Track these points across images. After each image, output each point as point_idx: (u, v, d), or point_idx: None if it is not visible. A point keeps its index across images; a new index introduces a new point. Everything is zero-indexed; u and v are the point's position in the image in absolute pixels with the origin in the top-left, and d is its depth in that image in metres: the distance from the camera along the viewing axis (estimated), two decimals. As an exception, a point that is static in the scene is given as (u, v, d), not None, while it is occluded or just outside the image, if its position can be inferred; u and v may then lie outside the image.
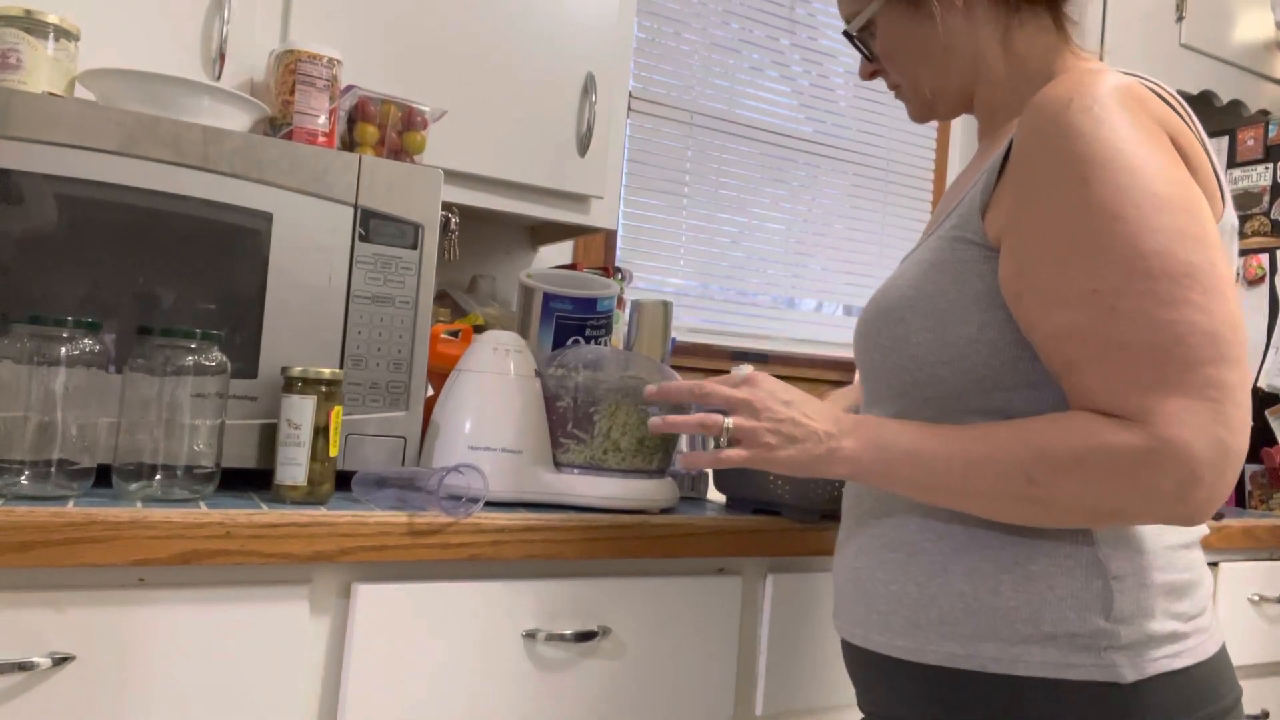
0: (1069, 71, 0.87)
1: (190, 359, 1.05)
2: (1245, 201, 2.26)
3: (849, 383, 2.24)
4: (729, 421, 0.88)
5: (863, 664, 0.93)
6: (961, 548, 0.85)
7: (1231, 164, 2.30)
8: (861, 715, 0.97)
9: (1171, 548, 0.85)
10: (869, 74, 1.04)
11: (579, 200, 1.72)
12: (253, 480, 1.20)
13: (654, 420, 0.94)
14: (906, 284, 0.91)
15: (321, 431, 1.11)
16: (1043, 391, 0.84)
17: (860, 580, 0.92)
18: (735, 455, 0.88)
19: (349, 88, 1.39)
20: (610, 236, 2.14)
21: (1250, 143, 2.27)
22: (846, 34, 1.01)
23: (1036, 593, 0.82)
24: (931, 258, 0.89)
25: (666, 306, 1.57)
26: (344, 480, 1.24)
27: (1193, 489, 0.73)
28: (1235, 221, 0.86)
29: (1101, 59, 2.21)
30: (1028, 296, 0.80)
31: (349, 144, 1.38)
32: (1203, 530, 0.90)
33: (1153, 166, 0.77)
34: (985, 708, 0.82)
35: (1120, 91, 0.80)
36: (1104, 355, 0.76)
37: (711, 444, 1.31)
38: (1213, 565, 1.75)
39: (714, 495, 1.54)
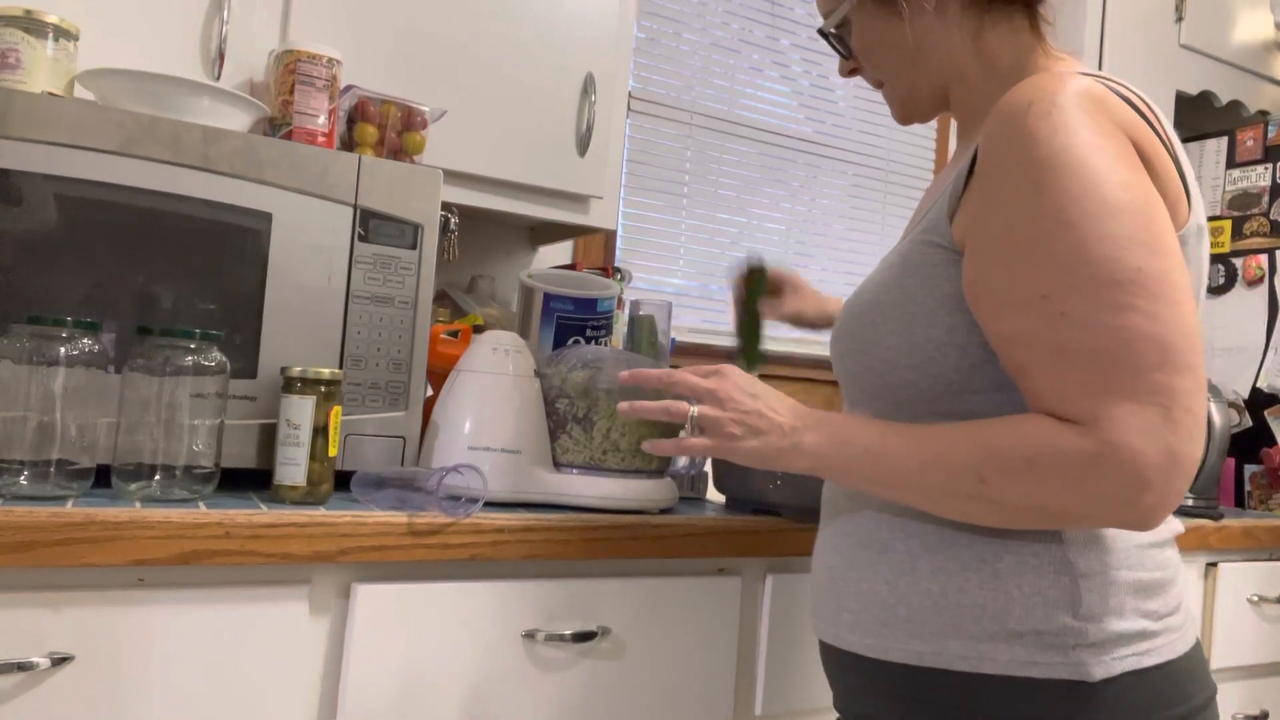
0: (1035, 74, 0.87)
1: (190, 359, 1.05)
2: (1245, 201, 2.26)
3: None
4: (695, 410, 0.90)
5: (836, 663, 0.93)
6: (930, 546, 0.85)
7: (1231, 164, 2.30)
8: (837, 716, 0.97)
9: (1142, 546, 0.85)
10: (848, 71, 1.04)
11: (579, 200, 1.72)
12: (252, 480, 1.20)
13: (622, 405, 0.95)
14: (877, 288, 0.91)
15: (321, 431, 1.11)
16: (1012, 394, 0.84)
17: (834, 578, 0.92)
18: (699, 444, 0.90)
19: (349, 88, 1.39)
20: (610, 236, 2.14)
21: (1250, 143, 2.27)
22: (822, 32, 1.02)
23: (1003, 590, 0.82)
24: (901, 261, 0.90)
25: (651, 320, 1.54)
26: (343, 480, 1.24)
27: (1141, 494, 0.73)
28: (1203, 223, 0.86)
29: (1101, 59, 2.22)
30: (983, 300, 0.81)
31: (349, 144, 1.38)
32: (1176, 529, 0.90)
33: (1107, 171, 0.77)
34: (952, 706, 0.82)
35: (1081, 95, 0.80)
36: (1052, 360, 0.76)
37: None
38: (1212, 566, 1.75)
39: (713, 495, 1.54)
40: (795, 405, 0.90)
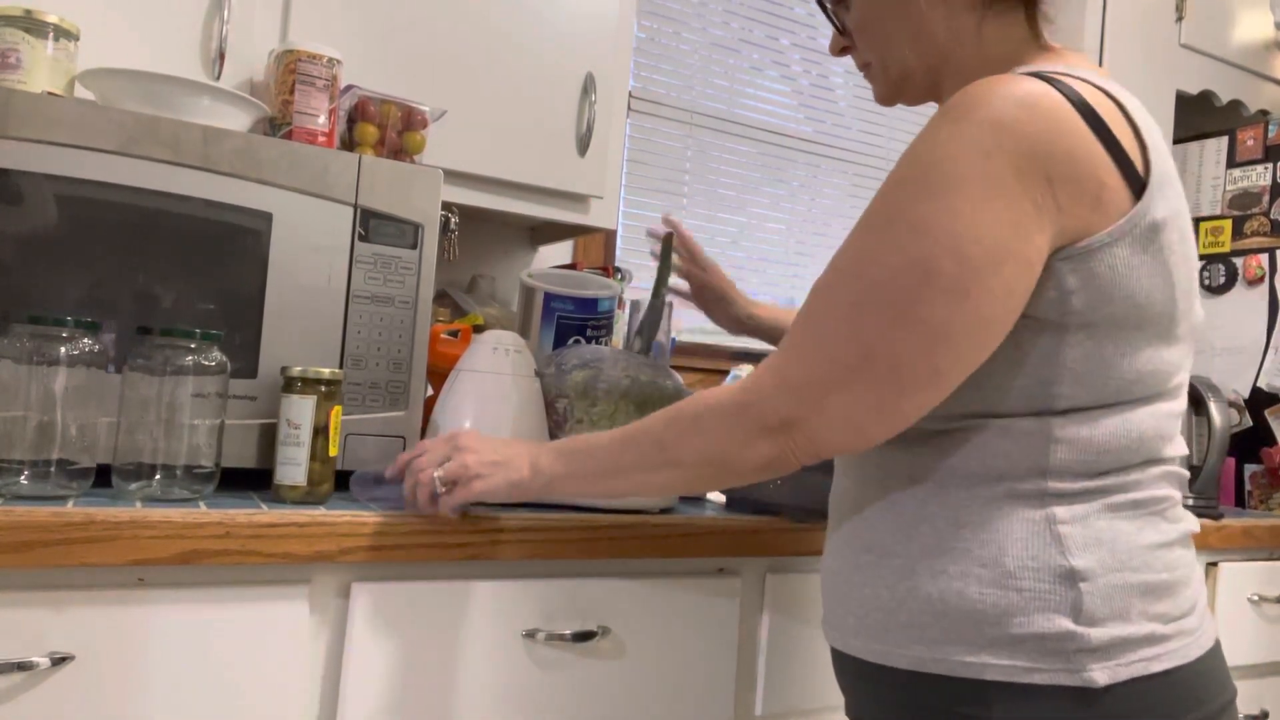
0: (1000, 74, 0.87)
1: (190, 359, 1.05)
2: (1245, 201, 2.26)
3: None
4: (439, 473, 1.00)
5: (844, 669, 0.93)
6: (930, 550, 0.85)
7: (1231, 164, 2.30)
8: None
9: (1150, 547, 0.84)
10: (839, 50, 1.04)
11: (579, 200, 1.72)
12: (252, 480, 1.20)
13: (390, 471, 1.08)
14: None
15: (321, 431, 1.11)
16: (985, 391, 0.84)
17: (838, 584, 0.92)
18: (455, 499, 1.00)
19: (349, 87, 1.39)
20: (610, 236, 2.14)
21: (1250, 143, 2.27)
22: (820, 3, 1.02)
23: (1003, 595, 0.81)
24: None
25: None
26: (344, 480, 1.24)
27: (759, 444, 0.84)
28: (1157, 217, 0.82)
29: (1101, 59, 2.22)
30: None
31: (349, 144, 1.38)
32: (1190, 528, 0.89)
33: (954, 194, 0.79)
34: (955, 713, 0.81)
35: (1008, 104, 0.79)
36: (803, 316, 0.85)
37: None
38: (1212, 565, 1.75)
39: (714, 495, 1.54)
40: (531, 443, 1.00)
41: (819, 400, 0.82)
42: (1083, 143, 0.81)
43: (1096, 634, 0.79)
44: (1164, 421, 0.87)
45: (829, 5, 1.01)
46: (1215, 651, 0.86)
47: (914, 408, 0.81)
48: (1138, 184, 0.82)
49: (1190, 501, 1.88)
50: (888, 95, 1.01)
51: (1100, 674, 0.78)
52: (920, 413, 0.82)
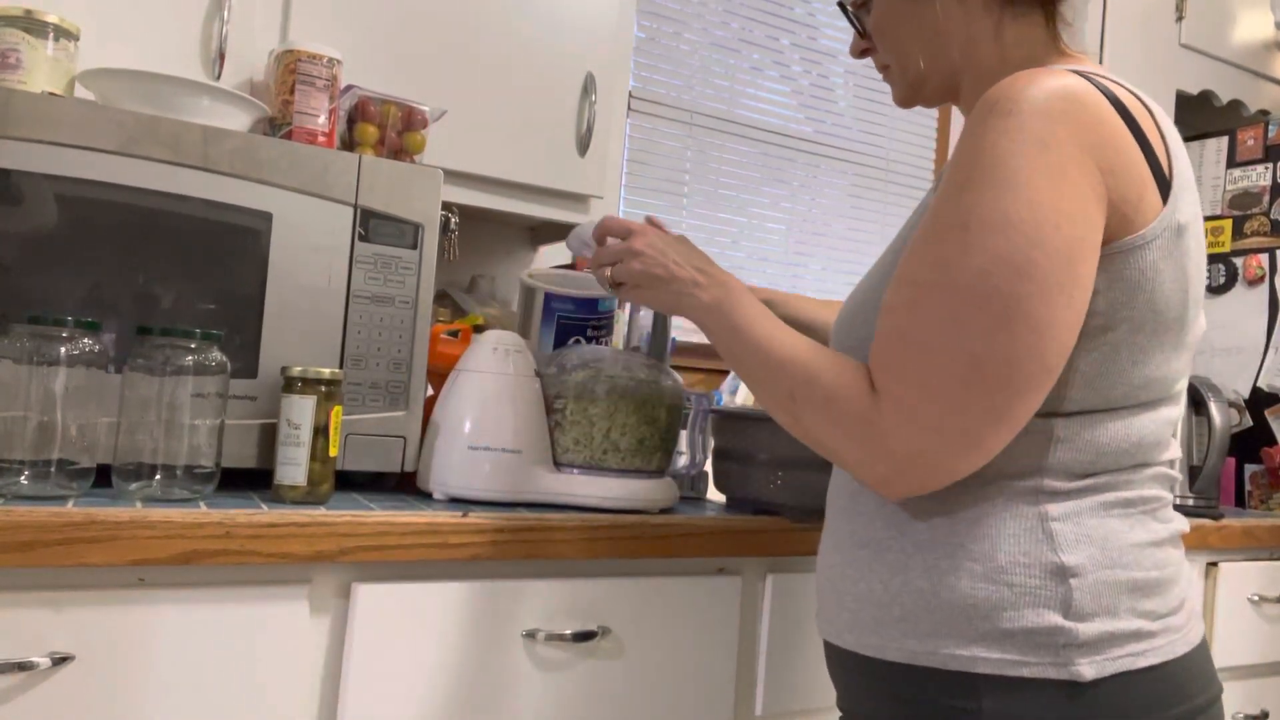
0: (1027, 70, 0.87)
1: (190, 359, 1.05)
2: (1245, 201, 2.26)
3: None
4: (608, 271, 1.06)
5: (837, 662, 0.94)
6: (923, 544, 0.85)
7: (1231, 164, 2.30)
8: (839, 715, 0.97)
9: (1139, 545, 0.84)
10: (859, 51, 1.05)
11: (579, 200, 1.72)
12: (253, 480, 1.20)
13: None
14: (871, 286, 0.93)
15: (321, 431, 1.11)
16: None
17: (834, 578, 0.93)
18: (620, 295, 1.07)
19: (349, 88, 1.39)
20: (610, 236, 2.14)
21: (1250, 143, 2.27)
22: (841, 5, 1.02)
23: (994, 590, 0.82)
24: (894, 258, 0.91)
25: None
26: (344, 480, 1.24)
27: (877, 468, 0.82)
28: (1185, 221, 0.84)
29: (1101, 59, 2.21)
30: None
31: (349, 144, 1.38)
32: (1180, 528, 0.90)
33: (1024, 185, 0.78)
34: (946, 705, 0.82)
35: (1051, 95, 0.80)
36: (891, 334, 0.83)
37: (703, 442, 1.41)
38: (1212, 565, 1.75)
39: (714, 495, 1.54)
40: (705, 263, 1.01)
41: (938, 424, 0.79)
42: (1125, 138, 0.81)
43: (1085, 629, 0.80)
44: (1163, 427, 0.88)
45: (850, 8, 1.02)
46: (1201, 649, 0.87)
47: (1026, 410, 0.80)
48: (1165, 186, 0.83)
49: (1190, 501, 1.88)
50: (906, 97, 1.02)
51: (1087, 668, 0.79)
52: (1029, 415, 0.80)
